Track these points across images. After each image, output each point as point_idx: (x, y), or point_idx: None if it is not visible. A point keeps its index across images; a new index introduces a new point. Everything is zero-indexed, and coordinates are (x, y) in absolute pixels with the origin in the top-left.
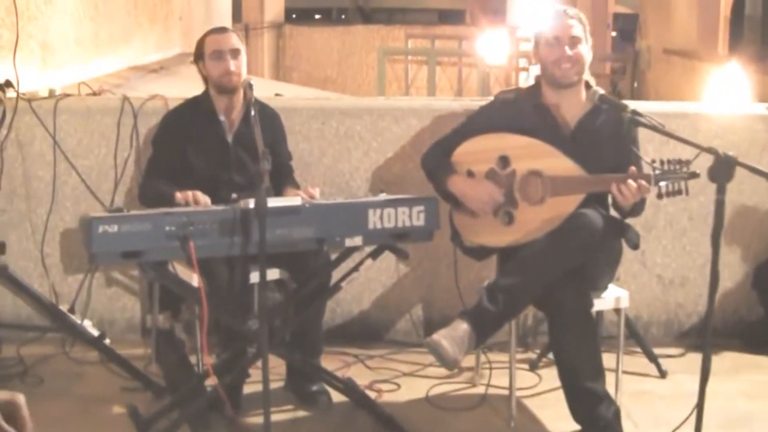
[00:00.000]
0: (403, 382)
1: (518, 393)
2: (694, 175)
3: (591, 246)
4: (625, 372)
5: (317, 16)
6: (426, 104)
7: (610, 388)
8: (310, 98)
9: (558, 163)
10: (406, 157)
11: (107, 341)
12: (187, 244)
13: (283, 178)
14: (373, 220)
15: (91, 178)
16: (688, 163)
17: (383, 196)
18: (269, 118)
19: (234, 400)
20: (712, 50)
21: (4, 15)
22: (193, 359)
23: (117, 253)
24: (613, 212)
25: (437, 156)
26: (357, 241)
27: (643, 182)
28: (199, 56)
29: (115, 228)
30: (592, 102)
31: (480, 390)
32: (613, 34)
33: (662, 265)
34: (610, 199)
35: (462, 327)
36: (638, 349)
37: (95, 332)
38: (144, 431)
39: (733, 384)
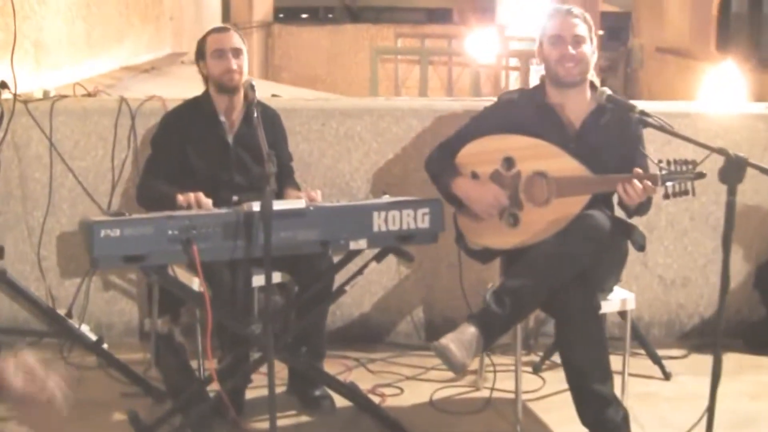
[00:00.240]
0: (406, 386)
1: (523, 396)
2: (700, 176)
3: (599, 248)
4: (629, 374)
5: (304, 15)
6: (426, 105)
7: (616, 390)
8: (310, 99)
9: (563, 164)
10: (407, 157)
11: (105, 346)
12: (190, 248)
13: (283, 179)
14: (378, 222)
15: (88, 180)
16: (694, 163)
17: (386, 198)
18: (270, 118)
19: (237, 405)
20: (706, 49)
21: None
22: (193, 363)
23: (119, 258)
24: (618, 211)
25: (441, 159)
26: (362, 243)
27: (649, 183)
28: (200, 56)
29: (117, 232)
30: (597, 102)
31: (484, 393)
32: (601, 32)
33: (664, 266)
34: (615, 199)
35: (469, 331)
36: (641, 351)
37: (93, 336)
38: None
39: (737, 385)
